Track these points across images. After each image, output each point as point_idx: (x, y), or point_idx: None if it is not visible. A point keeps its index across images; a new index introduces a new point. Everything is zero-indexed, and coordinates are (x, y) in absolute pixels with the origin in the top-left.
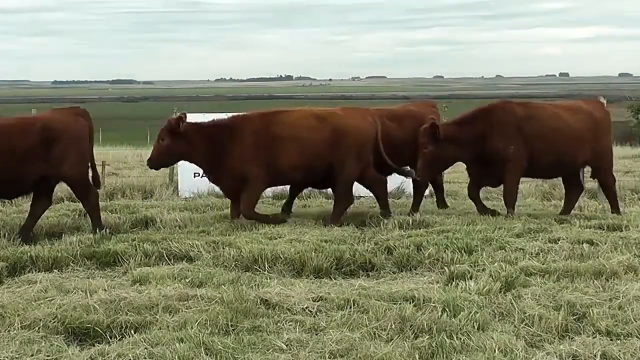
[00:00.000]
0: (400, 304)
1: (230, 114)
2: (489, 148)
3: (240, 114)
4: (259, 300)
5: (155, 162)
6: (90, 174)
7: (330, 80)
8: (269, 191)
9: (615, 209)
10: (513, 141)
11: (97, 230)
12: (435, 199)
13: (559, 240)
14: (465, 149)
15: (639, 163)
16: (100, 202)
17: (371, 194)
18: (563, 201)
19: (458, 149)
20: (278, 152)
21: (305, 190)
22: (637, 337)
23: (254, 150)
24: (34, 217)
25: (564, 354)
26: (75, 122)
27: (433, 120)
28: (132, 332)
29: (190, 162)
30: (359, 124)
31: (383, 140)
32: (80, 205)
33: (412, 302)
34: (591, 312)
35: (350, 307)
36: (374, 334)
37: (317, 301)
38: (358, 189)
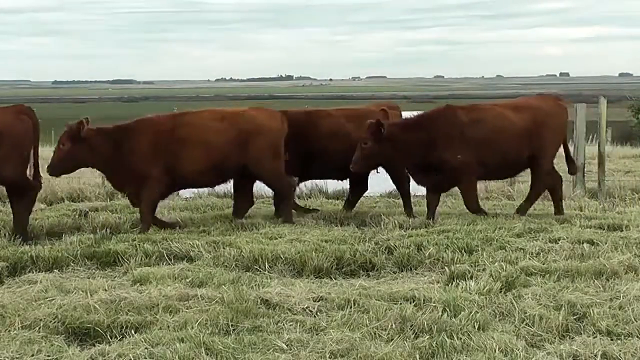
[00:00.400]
0: (400, 303)
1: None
2: (435, 157)
3: (145, 116)
4: (259, 300)
5: (56, 169)
6: (31, 172)
7: (330, 80)
8: (269, 191)
9: (559, 209)
10: (459, 149)
11: (16, 236)
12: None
13: (559, 240)
14: (404, 152)
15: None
16: (100, 202)
17: (371, 194)
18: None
19: (396, 151)
20: (181, 155)
21: (305, 191)
22: (637, 337)
23: (156, 152)
24: None
25: (565, 354)
26: (18, 122)
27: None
28: (133, 332)
29: (93, 167)
30: (268, 124)
31: (342, 140)
32: (81, 205)
33: (413, 302)
34: (592, 312)
35: (351, 307)
36: (375, 333)
37: (318, 301)
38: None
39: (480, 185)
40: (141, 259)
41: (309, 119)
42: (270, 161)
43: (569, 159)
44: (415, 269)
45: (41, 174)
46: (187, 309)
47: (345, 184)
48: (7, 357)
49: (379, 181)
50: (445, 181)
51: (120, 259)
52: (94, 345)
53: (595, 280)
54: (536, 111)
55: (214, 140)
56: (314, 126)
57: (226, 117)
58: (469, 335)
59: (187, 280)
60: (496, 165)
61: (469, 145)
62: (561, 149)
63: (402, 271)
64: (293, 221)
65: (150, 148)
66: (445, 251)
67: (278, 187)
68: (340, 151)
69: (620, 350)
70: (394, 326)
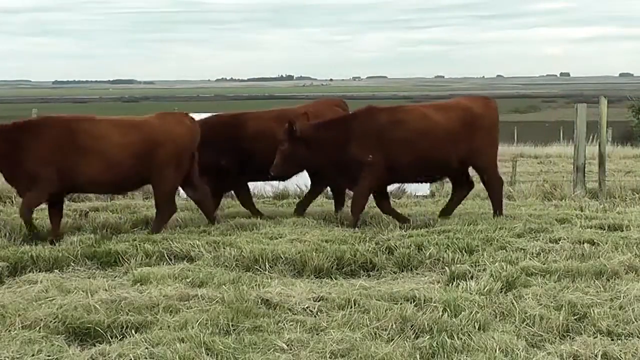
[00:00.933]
0: (401, 304)
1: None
2: (348, 156)
3: (46, 115)
4: (259, 300)
5: None
6: None
7: (331, 80)
8: (269, 191)
9: (497, 209)
10: (372, 150)
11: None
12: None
13: (559, 240)
14: (321, 152)
15: None
16: (100, 202)
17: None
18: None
19: (313, 151)
20: (77, 163)
21: (305, 190)
22: (638, 337)
23: (50, 154)
24: None
25: (565, 354)
26: None
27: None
28: (133, 332)
29: None
30: (173, 131)
31: (270, 141)
32: (81, 205)
33: (413, 302)
34: (592, 312)
35: (351, 307)
36: (375, 334)
37: (318, 301)
38: None
39: (481, 185)
40: (141, 259)
41: (237, 122)
42: (170, 170)
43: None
44: (416, 269)
45: None
46: (187, 309)
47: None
48: (8, 357)
49: None
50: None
51: (121, 259)
52: (95, 345)
53: (596, 281)
54: (464, 112)
55: (113, 150)
56: (243, 129)
57: (128, 124)
58: (469, 335)
59: (188, 280)
60: (417, 167)
61: (383, 147)
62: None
63: (402, 271)
64: (160, 230)
65: (47, 150)
66: (446, 251)
67: (159, 202)
68: (271, 153)
69: (620, 351)
70: (394, 326)
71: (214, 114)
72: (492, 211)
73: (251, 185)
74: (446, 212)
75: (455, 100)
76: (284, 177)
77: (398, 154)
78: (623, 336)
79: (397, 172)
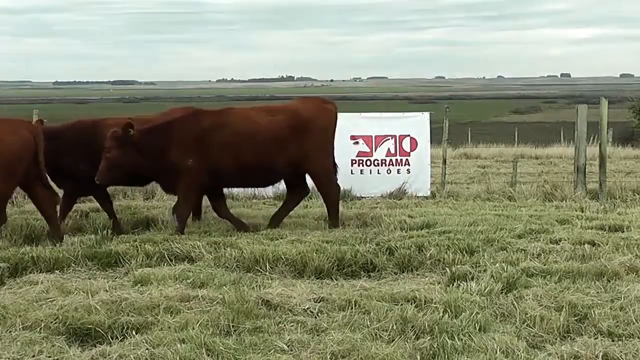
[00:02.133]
0: (401, 304)
1: None
2: (169, 160)
3: None
4: (260, 301)
5: None
6: None
7: (331, 81)
8: (270, 191)
9: (332, 219)
10: (192, 154)
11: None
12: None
13: (560, 241)
14: (147, 158)
15: None
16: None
17: (372, 194)
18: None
19: (140, 157)
20: None
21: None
22: (638, 338)
23: None
24: None
25: (566, 355)
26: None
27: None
28: (134, 332)
29: None
30: (4, 140)
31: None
32: (81, 205)
33: (414, 303)
34: (593, 313)
35: (352, 308)
36: (376, 334)
37: (319, 302)
38: (361, 188)
39: (482, 186)
40: (142, 260)
41: (95, 128)
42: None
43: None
44: (416, 270)
45: None
46: (188, 309)
47: (345, 185)
48: (8, 358)
49: (380, 182)
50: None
51: (121, 259)
52: (95, 346)
53: (597, 281)
54: (292, 115)
55: None
56: (100, 134)
57: None
58: (470, 336)
59: (188, 281)
60: (242, 171)
61: (204, 151)
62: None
63: (403, 272)
64: None
65: None
66: (446, 252)
67: None
68: None
69: (621, 351)
70: (395, 327)
71: (77, 119)
72: (491, 212)
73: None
74: (277, 218)
75: (289, 102)
76: (114, 184)
77: (220, 158)
78: (624, 337)
79: (222, 177)
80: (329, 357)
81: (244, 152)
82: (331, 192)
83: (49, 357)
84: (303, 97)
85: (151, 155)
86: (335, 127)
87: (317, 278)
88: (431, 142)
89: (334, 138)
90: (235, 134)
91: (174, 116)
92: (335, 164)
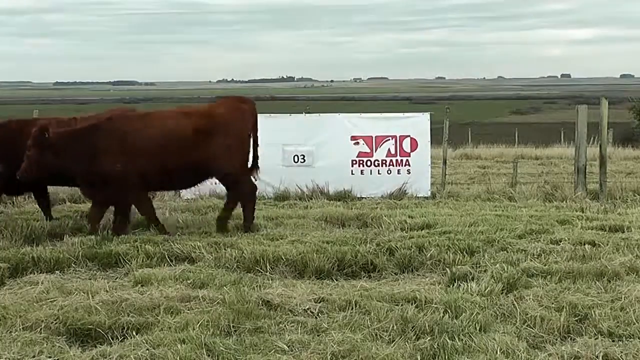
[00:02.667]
0: (402, 305)
1: None
2: (96, 167)
3: None
4: (260, 302)
5: None
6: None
7: (332, 81)
8: (270, 191)
9: (245, 221)
10: (118, 159)
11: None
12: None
13: (560, 241)
14: (68, 161)
15: None
16: None
17: (372, 195)
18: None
19: (61, 159)
20: None
21: (306, 192)
22: (639, 338)
23: None
24: None
25: (566, 355)
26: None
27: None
28: (134, 333)
29: None
30: None
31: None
32: (81, 206)
33: (414, 303)
34: (593, 313)
35: (352, 309)
36: (376, 335)
37: (319, 302)
38: (361, 189)
39: (482, 187)
40: (142, 260)
41: (19, 127)
42: None
43: (255, 157)
44: (417, 270)
45: None
46: (188, 310)
47: (346, 185)
48: (9, 358)
49: (380, 182)
50: (111, 194)
51: (122, 260)
52: (95, 347)
53: (597, 282)
54: (207, 116)
55: None
56: (26, 135)
57: None
58: (470, 336)
59: (189, 282)
60: (163, 174)
61: (128, 155)
62: None
63: (403, 272)
64: None
65: None
66: (447, 252)
67: None
68: None
69: (621, 352)
70: (395, 327)
71: (9, 119)
72: (492, 212)
73: None
74: (222, 220)
75: (207, 104)
76: (42, 183)
77: (141, 161)
78: (624, 337)
79: (148, 180)
80: (329, 357)
81: (161, 154)
82: (241, 193)
83: (49, 357)
84: (223, 97)
85: (70, 158)
86: (252, 125)
87: (318, 278)
88: (431, 143)
89: (250, 137)
90: (150, 138)
91: (93, 121)
92: (256, 163)
